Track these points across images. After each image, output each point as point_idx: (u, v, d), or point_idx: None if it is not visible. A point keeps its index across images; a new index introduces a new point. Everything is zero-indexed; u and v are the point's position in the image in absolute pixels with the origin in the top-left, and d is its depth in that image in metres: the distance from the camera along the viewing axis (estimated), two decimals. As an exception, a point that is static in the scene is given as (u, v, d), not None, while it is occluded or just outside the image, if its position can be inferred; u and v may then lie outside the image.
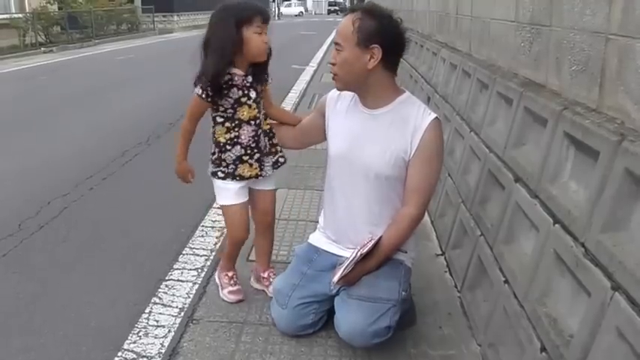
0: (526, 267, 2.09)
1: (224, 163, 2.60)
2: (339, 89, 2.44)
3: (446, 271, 3.13)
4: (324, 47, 18.33)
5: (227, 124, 2.56)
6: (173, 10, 32.31)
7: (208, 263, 3.31)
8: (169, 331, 2.63)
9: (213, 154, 2.62)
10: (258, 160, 2.62)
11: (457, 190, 3.28)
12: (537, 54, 2.48)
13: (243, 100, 2.53)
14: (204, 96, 2.49)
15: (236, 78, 2.51)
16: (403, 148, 2.33)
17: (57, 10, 22.27)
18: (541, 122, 2.24)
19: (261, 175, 2.65)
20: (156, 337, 2.59)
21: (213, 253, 3.43)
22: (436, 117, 2.35)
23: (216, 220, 3.94)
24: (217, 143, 2.60)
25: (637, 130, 1.61)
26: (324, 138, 2.62)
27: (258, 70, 2.58)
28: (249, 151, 2.59)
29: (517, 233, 2.30)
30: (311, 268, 2.57)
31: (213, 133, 2.60)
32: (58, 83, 11.73)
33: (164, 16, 31.65)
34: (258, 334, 2.57)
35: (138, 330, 2.66)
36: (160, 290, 3.02)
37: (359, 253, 2.31)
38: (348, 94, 2.49)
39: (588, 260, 1.64)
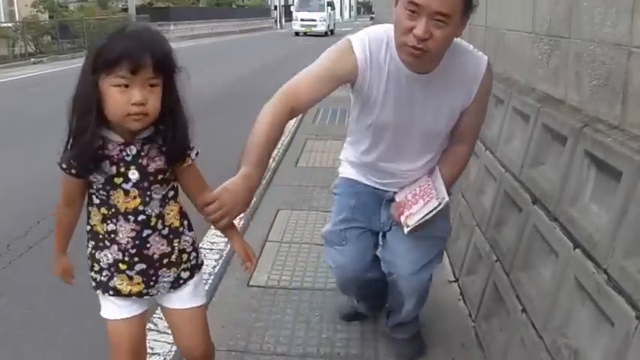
0: (545, 294, 2.09)
1: (97, 266, 1.89)
2: (419, 66, 2.14)
3: (459, 299, 3.13)
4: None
5: (103, 210, 1.83)
6: (169, 19, 32.58)
7: (206, 287, 3.30)
8: (164, 360, 2.61)
9: (87, 247, 1.91)
10: (142, 273, 1.87)
11: (471, 212, 3.28)
12: (556, 67, 2.50)
13: (117, 181, 1.78)
14: (64, 167, 1.76)
15: (110, 146, 1.76)
16: (465, 99, 2.27)
17: (48, 19, 22.53)
18: (560, 140, 2.26)
19: (149, 294, 1.92)
20: (149, 367, 2.58)
21: (212, 277, 3.43)
22: (487, 58, 2.28)
23: (214, 242, 3.94)
24: (93, 233, 1.87)
25: (662, 148, 1.63)
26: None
27: (161, 140, 1.80)
28: (127, 258, 1.84)
29: (535, 258, 2.31)
30: (358, 200, 2.55)
31: (88, 215, 1.88)
32: (48, 96, 11.77)
33: (160, 25, 31.75)
34: (258, 365, 2.57)
35: (130, 359, 2.66)
36: (155, 316, 3.02)
37: (433, 209, 2.28)
38: (375, 56, 2.20)
39: (611, 287, 1.65)
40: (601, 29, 2.03)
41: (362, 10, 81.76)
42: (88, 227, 1.88)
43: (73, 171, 1.76)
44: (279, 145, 6.70)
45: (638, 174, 1.64)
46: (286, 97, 2.14)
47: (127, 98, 1.64)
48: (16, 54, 19.64)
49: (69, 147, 1.74)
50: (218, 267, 3.56)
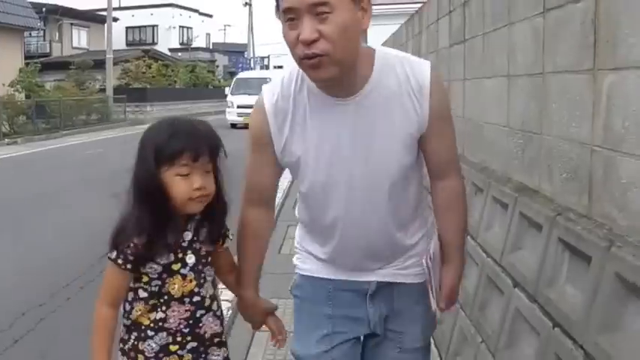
0: (528, 372, 2.27)
1: (141, 357, 1.94)
2: (327, 79, 1.75)
3: (447, 381, 3.27)
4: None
5: (152, 301, 1.93)
6: (146, 99, 33.08)
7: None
8: None
9: (125, 341, 1.97)
10: (193, 351, 1.98)
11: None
12: (530, 160, 2.76)
13: (176, 267, 1.92)
14: (120, 262, 1.86)
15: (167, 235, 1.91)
16: (419, 119, 1.86)
17: (24, 98, 22.79)
18: (536, 227, 2.49)
19: None
20: None
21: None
22: (429, 62, 1.91)
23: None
24: (136, 326, 1.95)
25: (624, 235, 1.87)
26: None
27: (207, 223, 1.98)
28: (179, 338, 1.95)
29: (518, 338, 2.49)
30: (335, 307, 2.06)
31: (129, 312, 1.96)
32: (24, 180, 11.88)
33: (137, 106, 32.32)
34: None
35: None
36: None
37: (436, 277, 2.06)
38: (290, 95, 1.90)
39: (587, 363, 1.85)
40: (567, 129, 2.31)
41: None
42: (128, 322, 1.96)
43: (129, 266, 1.87)
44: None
45: (604, 259, 1.87)
46: (250, 195, 2.06)
47: (189, 184, 1.85)
48: (-10, 134, 19.84)
49: (131, 245, 1.85)
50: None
